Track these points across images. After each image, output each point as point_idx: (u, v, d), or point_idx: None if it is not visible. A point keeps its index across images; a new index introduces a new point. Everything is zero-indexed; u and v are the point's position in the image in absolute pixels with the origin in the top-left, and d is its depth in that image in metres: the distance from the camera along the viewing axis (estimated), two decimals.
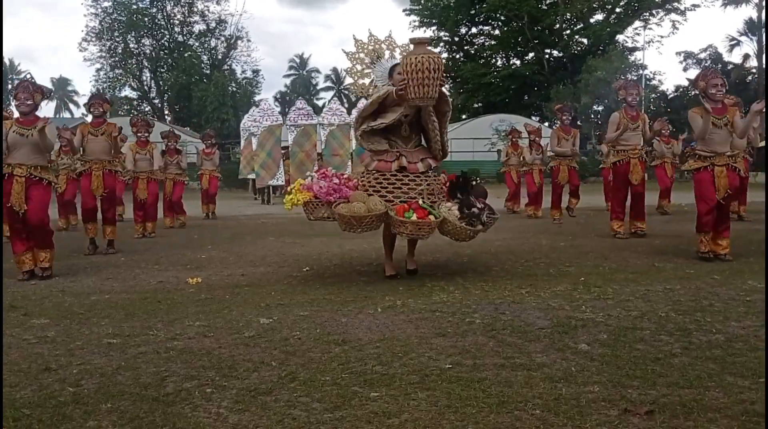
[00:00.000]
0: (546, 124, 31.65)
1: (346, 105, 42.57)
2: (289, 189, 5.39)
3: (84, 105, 7.96)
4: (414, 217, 4.79)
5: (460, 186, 5.18)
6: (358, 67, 5.56)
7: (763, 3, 34.27)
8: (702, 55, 38.13)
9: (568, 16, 37.76)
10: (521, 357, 3.05)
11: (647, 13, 38.09)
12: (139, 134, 9.40)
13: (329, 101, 22.95)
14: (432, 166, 5.21)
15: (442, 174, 5.42)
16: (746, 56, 39.28)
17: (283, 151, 18.30)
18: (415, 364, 2.97)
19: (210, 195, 13.11)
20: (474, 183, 5.27)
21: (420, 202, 4.92)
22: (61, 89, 62.66)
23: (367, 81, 5.53)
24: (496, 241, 7.46)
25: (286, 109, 28.68)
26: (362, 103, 18.77)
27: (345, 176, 5.34)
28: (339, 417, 2.38)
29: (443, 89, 5.03)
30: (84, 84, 51.33)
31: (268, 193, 18.93)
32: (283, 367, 2.97)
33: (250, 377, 2.85)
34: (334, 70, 64.14)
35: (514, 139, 12.70)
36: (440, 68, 4.82)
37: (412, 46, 5.07)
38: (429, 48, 4.99)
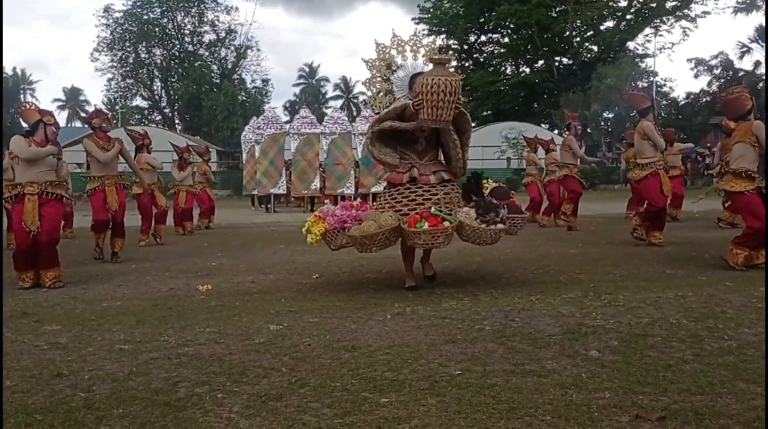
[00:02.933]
0: (555, 131, 31.61)
1: (355, 113, 42.57)
2: (306, 223, 5.32)
3: (84, 120, 8.19)
4: (426, 226, 4.68)
5: (473, 187, 5.02)
6: (378, 77, 5.49)
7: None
8: (713, 62, 37.94)
9: (578, 23, 37.78)
10: (531, 363, 3.04)
11: (658, 20, 38.04)
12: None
13: (338, 110, 22.97)
14: (445, 178, 5.06)
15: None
16: (757, 63, 39.05)
17: (286, 161, 18.29)
18: (424, 371, 2.97)
19: (205, 208, 12.64)
20: (494, 185, 5.15)
21: (432, 209, 4.81)
22: (73, 99, 63.27)
23: (386, 98, 5.44)
24: (505, 249, 7.45)
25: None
26: (368, 112, 18.91)
27: (362, 203, 5.31)
28: (349, 422, 2.38)
29: (462, 109, 4.93)
30: (96, 94, 52.08)
31: (273, 202, 18.80)
32: (294, 373, 2.98)
33: (260, 383, 2.86)
34: (343, 78, 64.52)
35: (534, 149, 12.54)
36: (457, 91, 4.67)
37: (431, 65, 4.92)
38: (448, 68, 4.85)
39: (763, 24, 36.54)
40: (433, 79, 4.61)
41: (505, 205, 4.98)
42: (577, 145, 10.39)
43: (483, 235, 4.79)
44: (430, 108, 4.64)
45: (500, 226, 4.80)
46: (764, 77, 31.81)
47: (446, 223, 4.71)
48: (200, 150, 13.23)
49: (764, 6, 33.76)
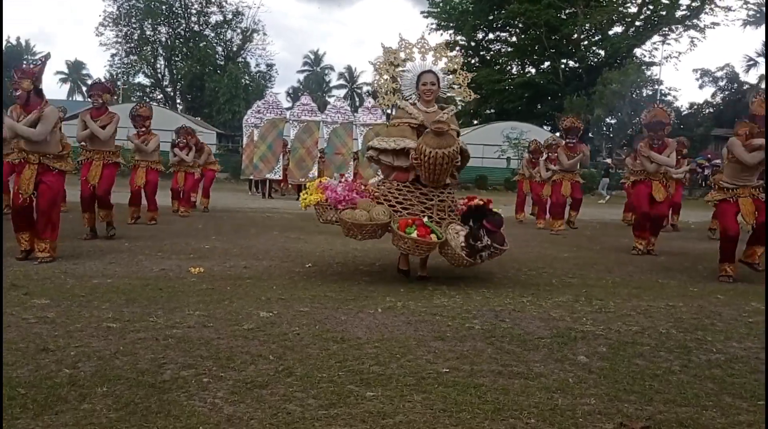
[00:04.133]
0: (557, 134, 31.57)
1: (358, 104, 42.37)
2: (307, 185, 5.40)
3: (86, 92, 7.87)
4: (414, 234, 4.78)
5: (474, 215, 5.10)
6: (386, 77, 5.48)
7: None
8: (718, 74, 37.93)
9: (587, 26, 37.70)
10: (519, 365, 3.04)
11: (666, 29, 37.97)
12: (136, 124, 9.33)
13: (340, 99, 22.91)
14: (446, 181, 5.16)
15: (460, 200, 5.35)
16: (762, 77, 39.05)
17: (285, 147, 18.20)
18: (412, 366, 2.96)
19: (204, 187, 12.48)
20: (491, 212, 5.17)
21: (425, 219, 4.91)
22: (75, 72, 62.99)
23: (394, 96, 5.44)
24: None
25: None
26: (370, 102, 18.85)
27: (363, 186, 5.33)
28: (333, 414, 2.37)
29: (462, 147, 5.10)
30: (99, 68, 51.72)
31: (268, 187, 18.70)
32: (281, 362, 2.97)
33: (247, 369, 2.85)
34: (348, 68, 64.39)
35: (534, 158, 12.44)
36: (453, 159, 4.91)
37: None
38: (448, 136, 4.91)
39: None
40: (431, 152, 4.82)
41: (494, 235, 5.01)
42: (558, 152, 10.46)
43: (459, 261, 4.93)
44: (427, 172, 4.93)
45: (477, 261, 4.92)
46: (765, 82, 31.78)
47: (433, 237, 4.82)
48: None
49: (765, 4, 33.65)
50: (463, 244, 4.85)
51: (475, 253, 4.85)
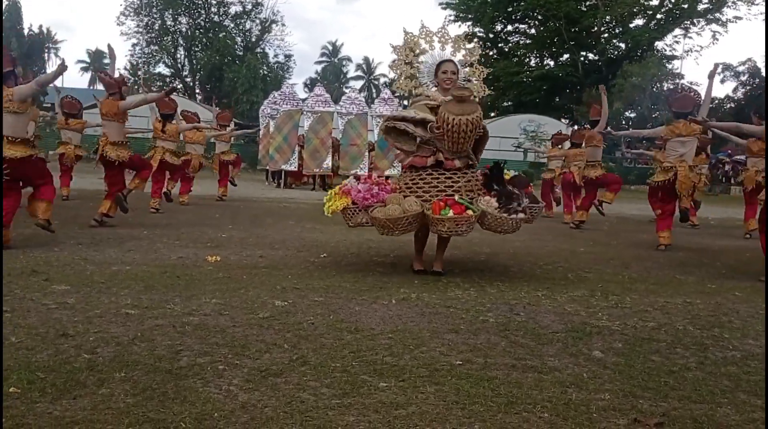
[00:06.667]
0: (576, 127, 31.28)
1: (375, 95, 42.16)
2: (328, 194, 5.38)
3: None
4: (450, 214, 4.72)
5: (494, 176, 5.08)
6: (403, 66, 5.48)
7: None
8: (740, 68, 37.32)
9: (608, 19, 37.19)
10: (533, 359, 3.03)
11: (688, 22, 37.41)
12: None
13: (355, 91, 22.94)
14: (470, 163, 5.14)
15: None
16: None
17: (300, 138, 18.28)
18: (425, 358, 2.97)
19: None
20: (514, 174, 5.24)
21: (456, 197, 4.86)
22: (97, 62, 63.41)
23: (411, 82, 5.45)
24: (515, 241, 7.42)
25: None
26: (387, 93, 18.84)
27: (383, 180, 5.34)
28: (347, 404, 2.39)
29: (483, 123, 5.07)
30: (119, 58, 51.84)
31: (283, 178, 18.77)
32: (295, 351, 3.00)
33: (261, 357, 2.88)
34: (366, 59, 64.28)
35: (558, 145, 12.30)
36: (477, 126, 4.86)
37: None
38: (470, 102, 4.90)
39: None
40: (454, 119, 4.77)
41: (525, 194, 5.06)
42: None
43: (505, 224, 4.88)
44: (451, 142, 4.87)
45: (521, 215, 4.88)
46: (765, 81, 31.27)
47: (470, 212, 4.76)
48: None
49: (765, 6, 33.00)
50: (497, 206, 4.85)
51: (512, 207, 4.85)
